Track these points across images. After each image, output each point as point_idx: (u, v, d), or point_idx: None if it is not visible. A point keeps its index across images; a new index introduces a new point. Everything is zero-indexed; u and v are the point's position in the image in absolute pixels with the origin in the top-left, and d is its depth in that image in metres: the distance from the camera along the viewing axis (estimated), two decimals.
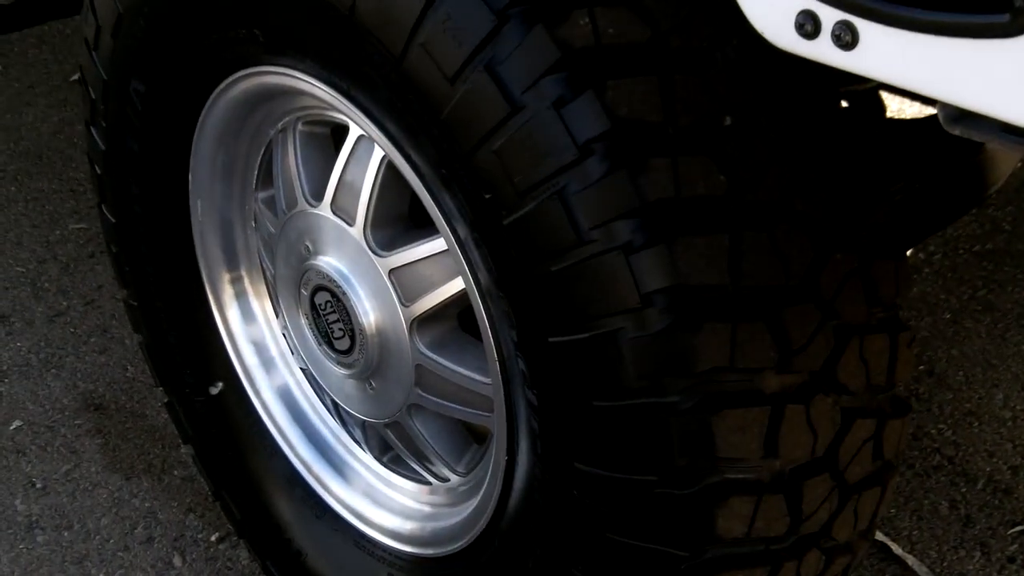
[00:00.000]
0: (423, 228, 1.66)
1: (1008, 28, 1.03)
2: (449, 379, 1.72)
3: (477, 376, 1.69)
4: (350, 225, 1.74)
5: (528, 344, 1.46)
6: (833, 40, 1.15)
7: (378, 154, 1.67)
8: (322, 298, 1.83)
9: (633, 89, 1.32)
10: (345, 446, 2.09)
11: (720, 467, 1.39)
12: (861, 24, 1.12)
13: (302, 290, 1.87)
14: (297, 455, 2.11)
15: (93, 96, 1.97)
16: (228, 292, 2.10)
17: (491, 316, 1.52)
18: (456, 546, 1.79)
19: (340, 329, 1.82)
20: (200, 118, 1.88)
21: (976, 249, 3.15)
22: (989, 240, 3.18)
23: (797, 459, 1.44)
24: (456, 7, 1.35)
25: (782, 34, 1.19)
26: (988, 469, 2.50)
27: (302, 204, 1.82)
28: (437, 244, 1.63)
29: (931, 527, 2.38)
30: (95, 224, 3.28)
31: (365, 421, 1.97)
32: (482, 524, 1.71)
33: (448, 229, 1.51)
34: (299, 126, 1.84)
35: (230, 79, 1.79)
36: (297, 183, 1.83)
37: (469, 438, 1.89)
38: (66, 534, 2.47)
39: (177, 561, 2.39)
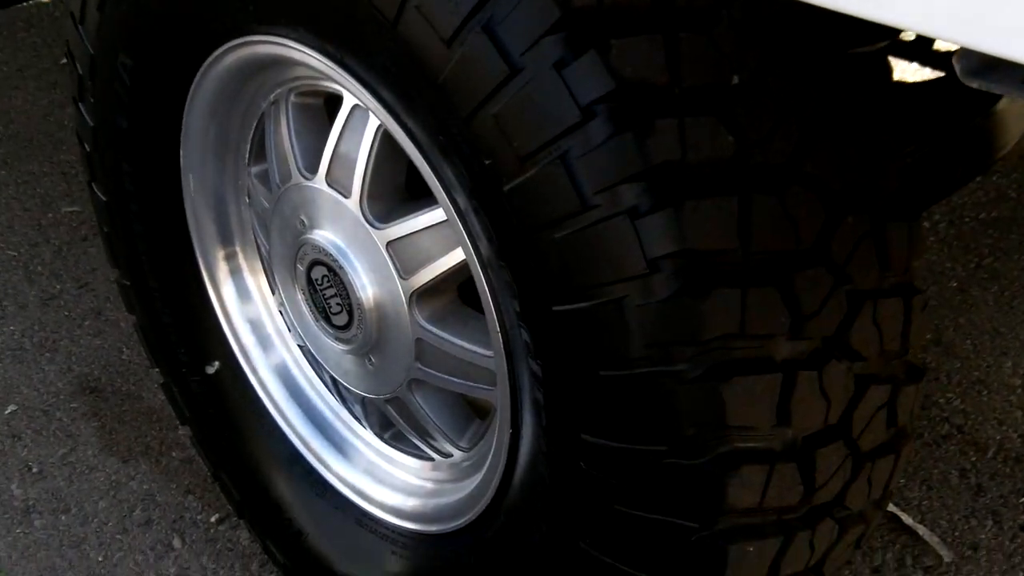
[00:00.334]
0: (421, 199, 1.63)
1: None
2: (450, 352, 1.69)
3: (479, 349, 1.66)
4: (346, 197, 1.70)
5: (531, 314, 1.42)
6: None
7: (373, 124, 1.63)
8: (319, 273, 1.79)
9: (637, 49, 1.28)
10: (345, 423, 2.06)
11: (730, 436, 1.35)
12: None
13: (298, 265, 1.83)
14: (296, 433, 2.07)
15: (80, 72, 1.93)
16: (223, 269, 2.06)
17: (492, 287, 1.48)
18: (460, 522, 1.75)
19: (338, 304, 1.78)
20: (190, 92, 1.84)
21: (982, 217, 3.11)
22: (995, 208, 3.14)
23: (810, 427, 1.41)
24: None
25: None
26: (998, 437, 2.47)
27: (296, 177, 1.78)
28: (436, 215, 1.59)
29: (941, 497, 2.35)
30: (87, 207, 3.25)
31: (365, 397, 1.94)
32: (486, 499, 1.68)
33: (447, 198, 1.47)
34: (292, 97, 1.80)
35: (220, 50, 1.74)
36: (291, 156, 1.79)
37: (471, 413, 1.86)
38: (63, 518, 2.43)
39: (176, 543, 2.35)
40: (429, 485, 1.92)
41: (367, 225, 1.68)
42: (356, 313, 1.75)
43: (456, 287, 1.69)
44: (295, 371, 2.10)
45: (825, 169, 1.36)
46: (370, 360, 1.82)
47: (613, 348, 1.34)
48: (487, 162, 1.36)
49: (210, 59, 1.77)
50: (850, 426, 1.44)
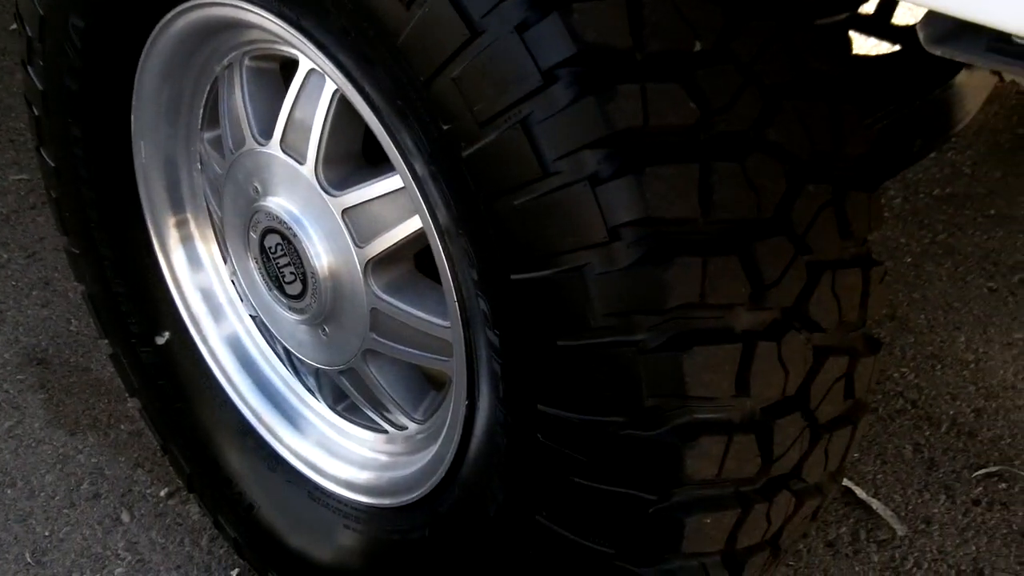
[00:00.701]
0: (378, 166, 1.61)
1: None
2: (406, 323, 1.67)
3: (435, 319, 1.64)
4: (301, 164, 1.67)
5: (489, 283, 1.40)
6: None
7: (330, 88, 1.60)
8: (272, 241, 1.76)
9: (600, 12, 1.26)
10: (298, 395, 2.03)
11: (690, 407, 1.34)
12: None
13: (251, 233, 1.81)
14: (248, 406, 2.05)
15: (30, 34, 1.89)
16: (173, 237, 2.03)
17: (450, 255, 1.46)
18: (414, 495, 1.74)
19: (291, 273, 1.76)
20: (143, 54, 1.81)
21: (936, 193, 3.13)
22: (949, 184, 3.16)
23: (768, 398, 1.40)
24: None
25: None
26: (951, 412, 2.48)
27: (250, 143, 1.75)
28: (393, 182, 1.57)
29: (895, 471, 2.36)
30: (36, 175, 3.20)
31: (319, 369, 1.92)
32: (441, 472, 1.66)
33: (404, 164, 1.44)
34: (246, 61, 1.78)
35: (173, 12, 1.71)
36: (245, 121, 1.77)
37: (427, 384, 1.84)
38: (9, 492, 2.39)
39: (125, 517, 2.32)
40: (383, 458, 1.90)
41: (322, 192, 1.65)
42: (310, 282, 1.73)
43: (413, 256, 1.67)
44: (247, 342, 2.07)
45: (787, 137, 1.35)
46: (324, 330, 1.79)
47: (573, 317, 1.33)
48: (446, 127, 1.34)
49: (163, 21, 1.73)
50: (808, 397, 1.44)
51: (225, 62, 1.80)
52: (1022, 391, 2.53)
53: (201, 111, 1.89)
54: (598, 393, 1.36)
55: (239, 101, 1.77)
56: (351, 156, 1.66)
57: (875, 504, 2.28)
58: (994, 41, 1.12)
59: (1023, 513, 2.27)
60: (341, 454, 1.95)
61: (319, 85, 1.61)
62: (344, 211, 1.64)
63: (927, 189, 3.14)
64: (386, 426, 1.89)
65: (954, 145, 3.30)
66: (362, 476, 1.89)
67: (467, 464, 1.61)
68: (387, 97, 1.41)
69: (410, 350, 1.70)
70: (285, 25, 1.53)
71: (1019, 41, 1.09)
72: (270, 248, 1.78)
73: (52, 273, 2.97)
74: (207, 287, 2.06)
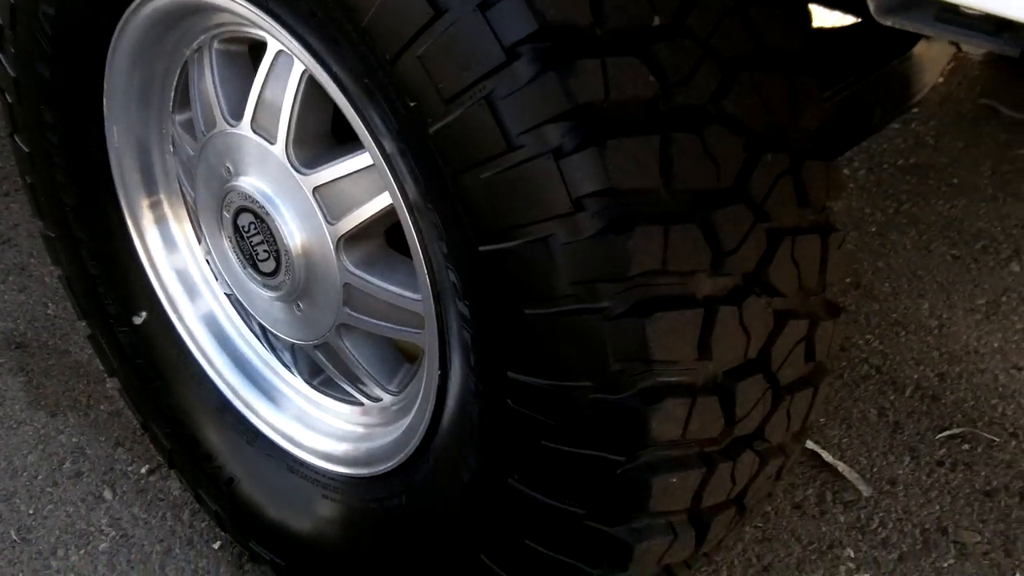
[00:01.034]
0: (347, 144, 1.64)
1: None
2: (378, 297, 1.70)
3: (407, 292, 1.67)
4: (271, 144, 1.70)
5: (458, 255, 1.44)
6: None
7: (298, 69, 1.63)
8: (245, 220, 1.80)
9: None
10: (274, 371, 2.07)
11: (654, 371, 1.38)
12: None
13: (224, 213, 1.84)
14: (225, 382, 2.08)
15: (0, 22, 1.91)
16: (148, 218, 2.05)
17: (420, 230, 1.49)
18: (390, 464, 1.77)
19: (265, 251, 1.79)
20: (113, 40, 1.83)
21: (900, 164, 3.18)
22: (913, 155, 3.21)
23: (730, 361, 1.44)
24: None
25: None
26: (915, 377, 2.54)
27: (221, 124, 1.78)
28: (362, 159, 1.60)
29: (861, 435, 2.41)
30: (9, 162, 3.22)
31: (294, 344, 1.95)
32: (416, 441, 1.70)
33: (373, 142, 1.48)
34: (215, 44, 1.80)
35: None
36: (215, 103, 1.79)
37: (400, 356, 1.88)
38: None
39: (107, 494, 2.36)
40: (359, 430, 1.93)
41: (293, 171, 1.68)
42: (283, 259, 1.76)
43: (383, 231, 1.70)
44: (223, 320, 2.10)
45: (744, 109, 1.39)
46: (298, 306, 1.83)
47: (539, 286, 1.37)
48: (412, 105, 1.37)
49: (132, 6, 1.76)
50: (769, 360, 1.48)
51: (194, 45, 1.82)
52: (984, 355, 2.58)
53: (172, 94, 1.92)
54: (565, 359, 1.40)
55: (209, 84, 1.80)
56: (321, 135, 1.70)
57: (841, 467, 2.33)
58: (942, 11, 1.16)
59: (985, 473, 2.32)
60: (318, 427, 1.98)
61: (288, 66, 1.64)
62: (315, 189, 1.67)
63: (891, 160, 3.19)
64: (361, 398, 1.93)
65: (917, 116, 3.35)
66: (339, 447, 1.93)
67: (441, 432, 1.65)
68: (354, 77, 1.44)
69: (383, 323, 1.74)
70: (253, 8, 1.55)
71: (967, 11, 1.13)
72: (243, 227, 1.81)
73: (28, 259, 2.99)
74: (182, 267, 2.09)
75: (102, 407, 2.56)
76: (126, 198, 2.04)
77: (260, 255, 1.81)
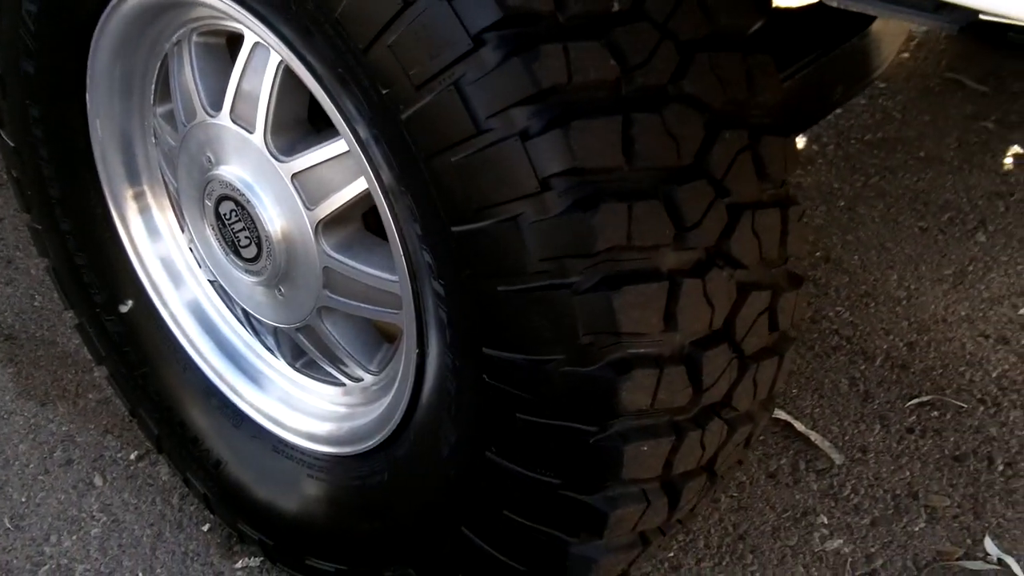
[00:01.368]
0: (323, 131, 1.69)
1: None
2: (357, 279, 1.75)
3: (384, 274, 1.72)
4: (250, 133, 1.75)
5: (432, 236, 1.50)
6: None
7: (275, 60, 1.68)
8: (227, 207, 1.84)
9: None
10: (258, 355, 2.11)
11: (622, 343, 1.44)
12: None
13: (206, 201, 1.88)
14: (211, 367, 2.12)
15: None
16: (132, 208, 2.10)
17: (395, 213, 1.54)
18: (373, 442, 1.82)
19: (246, 237, 1.84)
20: (94, 36, 1.87)
21: (868, 138, 3.23)
22: (880, 129, 3.26)
23: (696, 332, 1.49)
24: None
25: None
26: (885, 347, 2.59)
27: (201, 115, 1.83)
28: (338, 146, 1.65)
29: (832, 404, 2.47)
30: None
31: (277, 327, 2.00)
32: (397, 418, 1.75)
33: (348, 129, 1.53)
34: (194, 37, 1.85)
35: None
36: (195, 94, 1.84)
37: (380, 337, 1.92)
38: None
39: (98, 481, 2.40)
40: (342, 409, 1.98)
41: (272, 159, 1.73)
42: (264, 245, 1.81)
43: (360, 215, 1.75)
44: (207, 306, 2.15)
45: (702, 88, 1.45)
46: (280, 291, 1.87)
47: (510, 264, 1.42)
48: (385, 92, 1.43)
49: (113, 2, 1.80)
50: (734, 330, 1.53)
51: (174, 39, 1.87)
52: (952, 324, 2.64)
53: (153, 87, 1.96)
54: (537, 334, 1.45)
55: (189, 76, 1.85)
56: (298, 123, 1.74)
57: (813, 436, 2.39)
58: None
59: (954, 439, 2.39)
60: (302, 408, 2.03)
61: (264, 58, 1.69)
62: (294, 176, 1.72)
63: (859, 134, 3.24)
64: (343, 379, 1.98)
65: (884, 91, 3.40)
66: (323, 427, 1.98)
67: (420, 409, 1.70)
68: (328, 66, 1.49)
69: (362, 305, 1.79)
70: (230, 2, 1.60)
71: None
72: (225, 215, 1.86)
73: (14, 252, 3.03)
74: (166, 255, 2.13)
75: (90, 395, 2.61)
76: (110, 189, 2.08)
77: (242, 241, 1.85)
